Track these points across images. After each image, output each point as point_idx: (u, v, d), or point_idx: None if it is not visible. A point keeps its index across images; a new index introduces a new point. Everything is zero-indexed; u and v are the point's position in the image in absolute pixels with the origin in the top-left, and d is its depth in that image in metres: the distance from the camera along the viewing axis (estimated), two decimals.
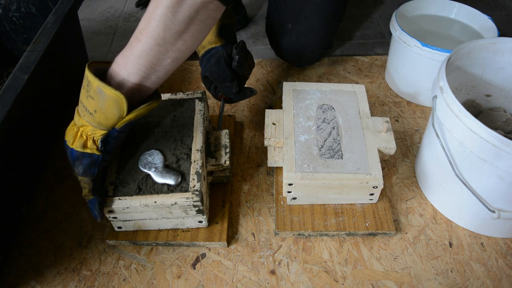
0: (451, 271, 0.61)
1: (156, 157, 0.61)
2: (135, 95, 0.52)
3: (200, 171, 0.59)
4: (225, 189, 0.70)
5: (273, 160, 0.66)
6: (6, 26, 0.87)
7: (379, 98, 0.89)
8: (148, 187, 0.59)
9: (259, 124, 0.83)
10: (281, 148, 0.67)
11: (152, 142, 0.64)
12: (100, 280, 0.60)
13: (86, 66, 0.51)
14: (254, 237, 0.65)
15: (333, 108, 0.71)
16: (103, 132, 0.53)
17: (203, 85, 0.89)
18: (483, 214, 0.62)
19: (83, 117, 0.53)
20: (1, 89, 0.58)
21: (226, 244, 0.63)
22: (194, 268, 0.61)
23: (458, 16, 0.90)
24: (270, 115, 0.70)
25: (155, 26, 0.47)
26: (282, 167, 0.67)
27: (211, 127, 0.75)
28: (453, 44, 0.90)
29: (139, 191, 0.58)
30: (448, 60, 0.63)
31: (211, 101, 0.87)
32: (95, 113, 0.51)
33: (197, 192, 0.57)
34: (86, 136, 0.53)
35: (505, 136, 0.66)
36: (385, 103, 0.88)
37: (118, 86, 0.51)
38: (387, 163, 0.75)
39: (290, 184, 0.61)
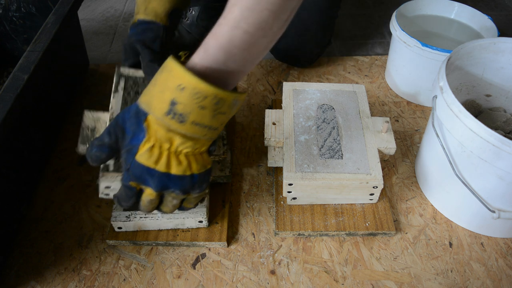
0: (451, 271, 0.61)
1: None
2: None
3: None
4: (225, 189, 0.70)
5: (273, 160, 0.66)
6: (6, 26, 0.87)
7: (379, 98, 0.89)
8: None
9: (259, 124, 0.83)
10: (281, 148, 0.67)
11: None
12: (100, 280, 0.61)
13: (210, 88, 0.41)
14: (254, 237, 0.65)
15: (333, 108, 0.71)
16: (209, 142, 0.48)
17: None
18: (483, 214, 0.62)
19: (198, 139, 0.45)
20: (1, 89, 0.58)
21: (226, 244, 0.63)
22: (194, 268, 0.61)
23: (458, 16, 0.90)
24: (270, 115, 0.70)
25: (266, 16, 0.41)
26: (282, 167, 0.67)
27: None
28: (453, 44, 0.90)
29: None
30: (448, 60, 0.63)
31: None
32: (221, 126, 0.46)
33: None
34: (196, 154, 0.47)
35: (505, 136, 0.66)
36: (385, 103, 0.88)
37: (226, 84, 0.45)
38: (387, 163, 0.76)
39: (290, 184, 0.61)
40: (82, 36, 0.93)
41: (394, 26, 0.83)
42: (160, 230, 0.64)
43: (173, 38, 0.66)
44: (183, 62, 0.44)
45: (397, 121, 0.84)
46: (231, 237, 0.65)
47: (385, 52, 1.02)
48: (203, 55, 0.43)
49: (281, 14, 0.43)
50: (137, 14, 0.63)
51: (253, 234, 0.66)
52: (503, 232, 0.64)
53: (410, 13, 0.91)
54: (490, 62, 0.69)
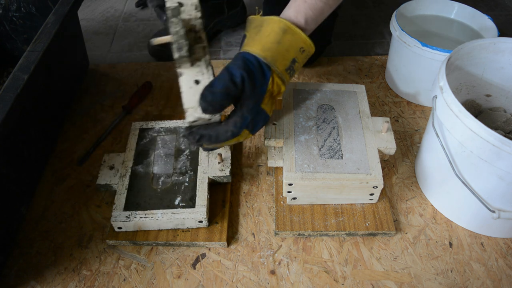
0: (451, 271, 0.61)
1: None
2: None
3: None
4: (225, 189, 0.70)
5: (273, 160, 0.66)
6: (6, 26, 0.87)
7: (379, 98, 0.89)
8: None
9: None
10: (281, 148, 0.67)
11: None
12: (100, 280, 0.61)
13: (313, 50, 0.56)
14: (254, 237, 0.65)
15: (333, 108, 0.71)
16: None
17: None
18: (483, 214, 0.62)
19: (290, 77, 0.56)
20: (1, 89, 0.58)
21: (226, 244, 0.63)
22: (194, 268, 0.61)
23: (458, 16, 0.90)
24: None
25: None
26: (282, 167, 0.67)
27: None
28: (453, 44, 0.90)
29: None
30: (448, 60, 0.63)
31: None
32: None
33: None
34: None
35: (505, 136, 0.66)
36: (385, 103, 0.88)
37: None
38: (387, 163, 0.75)
39: (290, 184, 0.61)
40: (82, 36, 0.93)
41: (394, 26, 0.83)
42: (160, 230, 0.64)
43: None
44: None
45: (397, 121, 0.84)
46: (231, 237, 0.65)
47: (385, 52, 1.02)
48: (305, 26, 0.56)
49: None
50: None
51: (253, 234, 0.66)
52: (503, 232, 0.64)
53: (410, 13, 0.91)
54: (490, 62, 0.69)
